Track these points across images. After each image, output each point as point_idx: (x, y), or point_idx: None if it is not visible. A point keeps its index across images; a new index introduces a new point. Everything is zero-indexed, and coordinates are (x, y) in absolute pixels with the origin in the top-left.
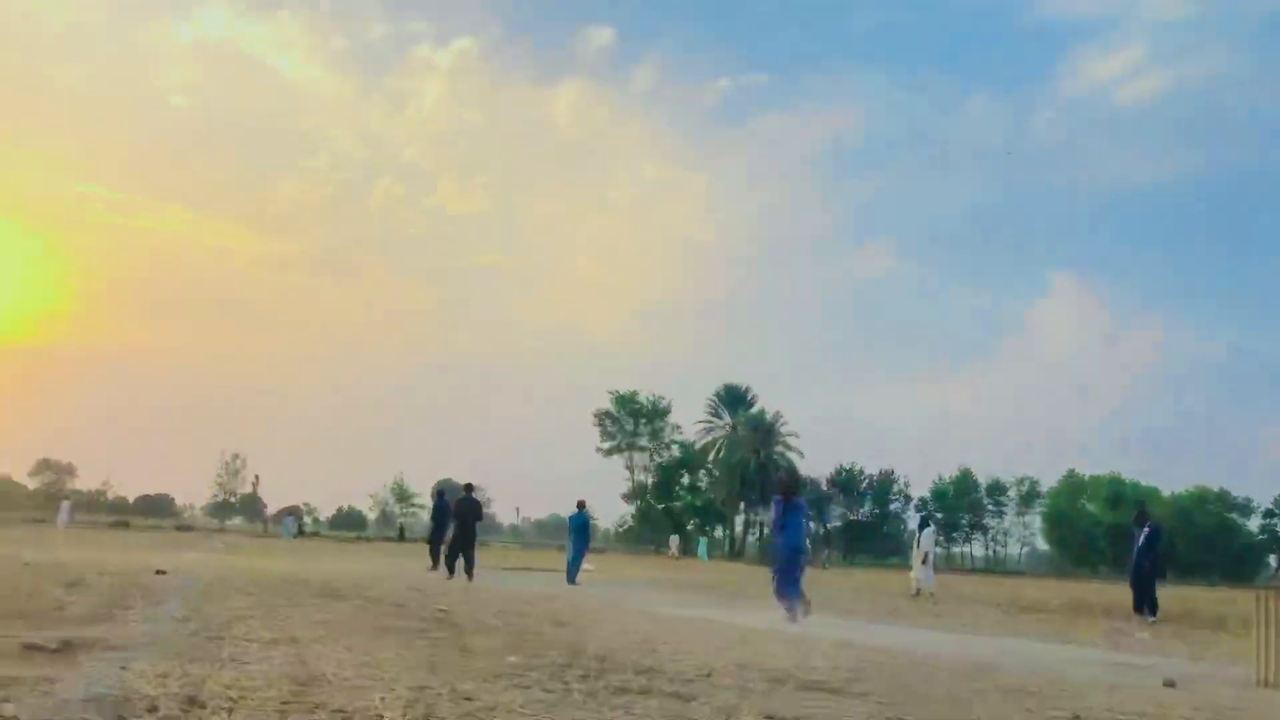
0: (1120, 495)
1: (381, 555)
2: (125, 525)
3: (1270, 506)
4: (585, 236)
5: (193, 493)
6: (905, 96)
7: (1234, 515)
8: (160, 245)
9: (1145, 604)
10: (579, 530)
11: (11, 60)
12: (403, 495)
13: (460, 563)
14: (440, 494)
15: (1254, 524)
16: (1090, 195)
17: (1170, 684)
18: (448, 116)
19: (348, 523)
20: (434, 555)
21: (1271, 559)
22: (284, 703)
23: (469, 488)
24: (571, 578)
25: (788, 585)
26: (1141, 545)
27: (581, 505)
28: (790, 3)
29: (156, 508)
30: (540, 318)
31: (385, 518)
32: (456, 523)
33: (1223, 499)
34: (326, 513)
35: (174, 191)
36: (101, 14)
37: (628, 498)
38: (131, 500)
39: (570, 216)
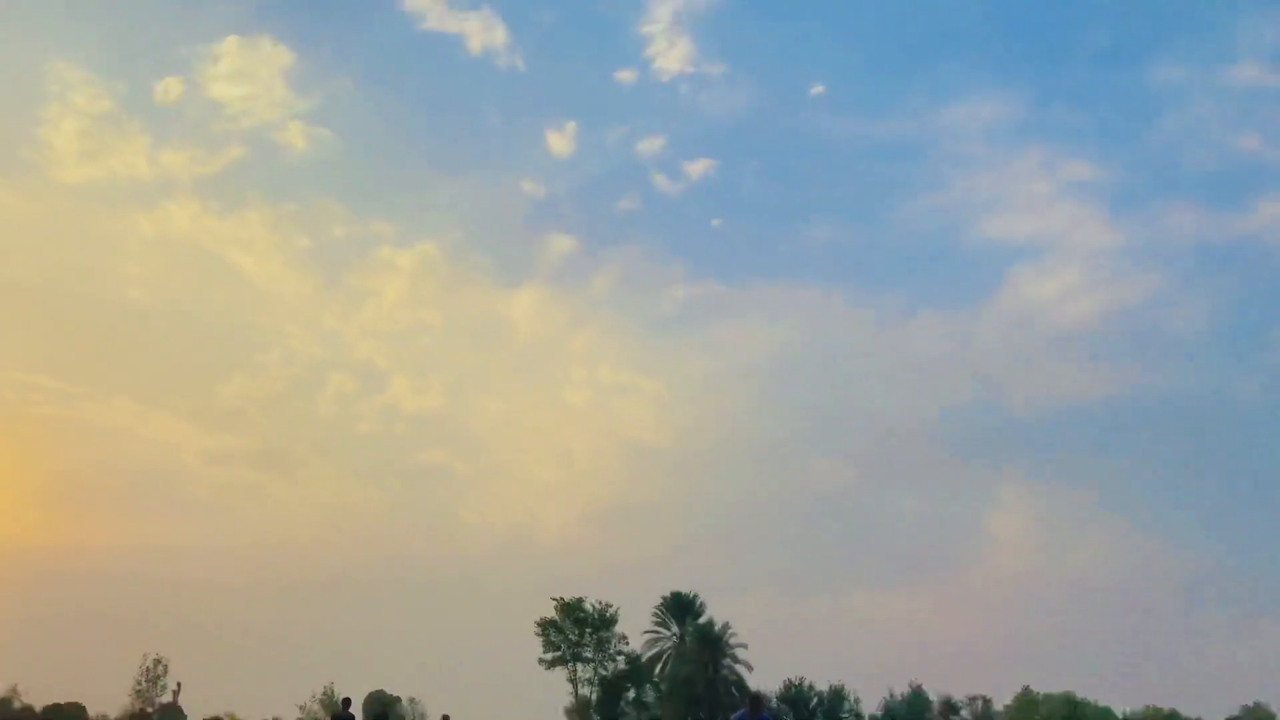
0: (1076, 716)
1: None
2: None
3: None
4: (538, 437)
5: (107, 702)
6: (855, 310)
7: None
8: (101, 438)
9: None
10: None
11: None
12: (331, 707)
13: None
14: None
15: None
16: (1037, 404)
17: None
18: (406, 315)
19: None
20: None
21: None
22: None
23: (346, 702)
24: None
25: None
26: None
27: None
28: (745, 218)
29: (66, 719)
30: (488, 518)
31: None
32: None
33: (1174, 719)
34: None
35: (121, 384)
36: (68, 206)
37: (570, 713)
38: (39, 709)
39: (524, 416)
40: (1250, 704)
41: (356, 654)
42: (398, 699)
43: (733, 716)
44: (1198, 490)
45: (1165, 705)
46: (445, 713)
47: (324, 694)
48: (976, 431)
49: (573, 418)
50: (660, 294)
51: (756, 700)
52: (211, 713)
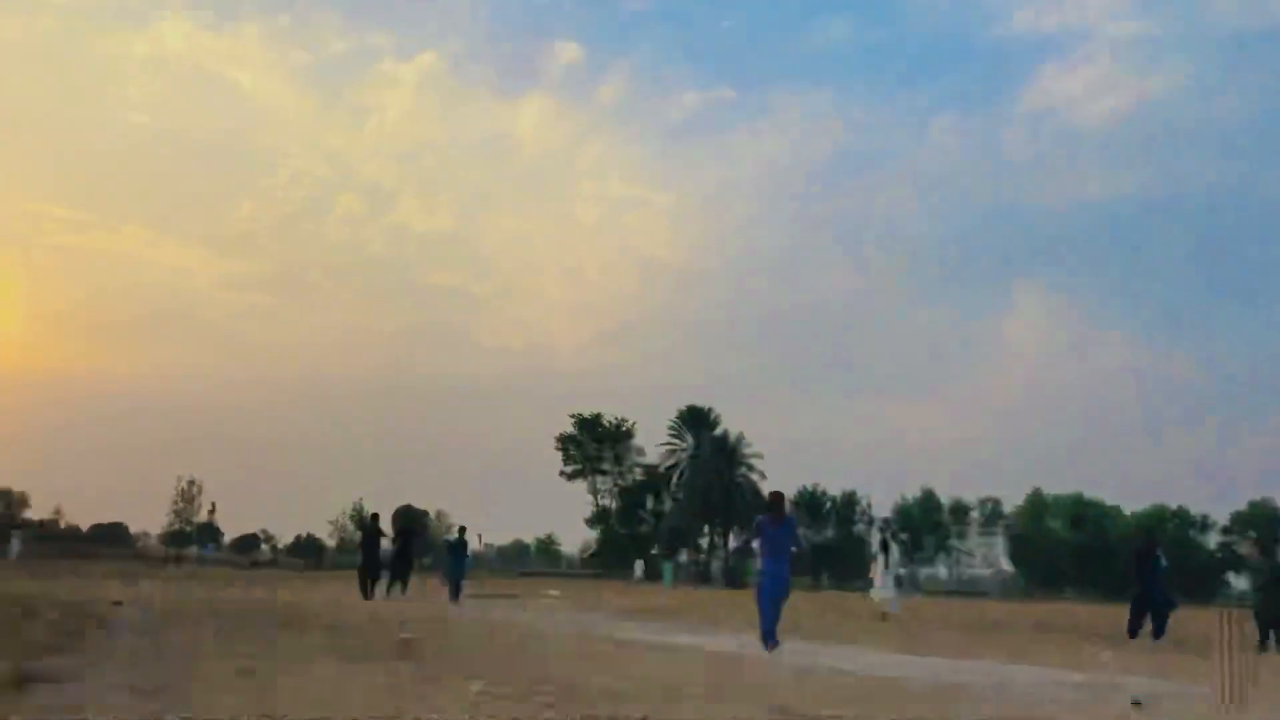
0: (1084, 515)
1: (332, 581)
2: (79, 555)
3: (1227, 524)
4: (550, 255)
5: (148, 521)
6: (872, 113)
7: (1193, 533)
8: (116, 266)
9: (1160, 628)
10: (456, 556)
11: None
12: (360, 522)
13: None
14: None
15: (1212, 541)
16: (1056, 211)
17: (1137, 703)
18: (411, 132)
19: (307, 550)
20: (370, 584)
21: (1230, 576)
22: None
23: (375, 517)
24: (455, 596)
25: (775, 620)
26: (1158, 570)
27: (462, 531)
28: (758, 19)
29: (111, 537)
30: (503, 338)
31: (344, 544)
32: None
33: (1182, 517)
34: (285, 539)
35: (131, 211)
36: (58, 27)
37: (591, 522)
38: (85, 529)
39: (534, 234)
40: (1257, 499)
41: (383, 472)
42: (425, 513)
43: (756, 519)
44: (1214, 291)
45: (1173, 503)
46: (464, 525)
47: (353, 510)
48: (996, 237)
49: (584, 234)
50: (670, 102)
51: (779, 498)
52: (245, 530)
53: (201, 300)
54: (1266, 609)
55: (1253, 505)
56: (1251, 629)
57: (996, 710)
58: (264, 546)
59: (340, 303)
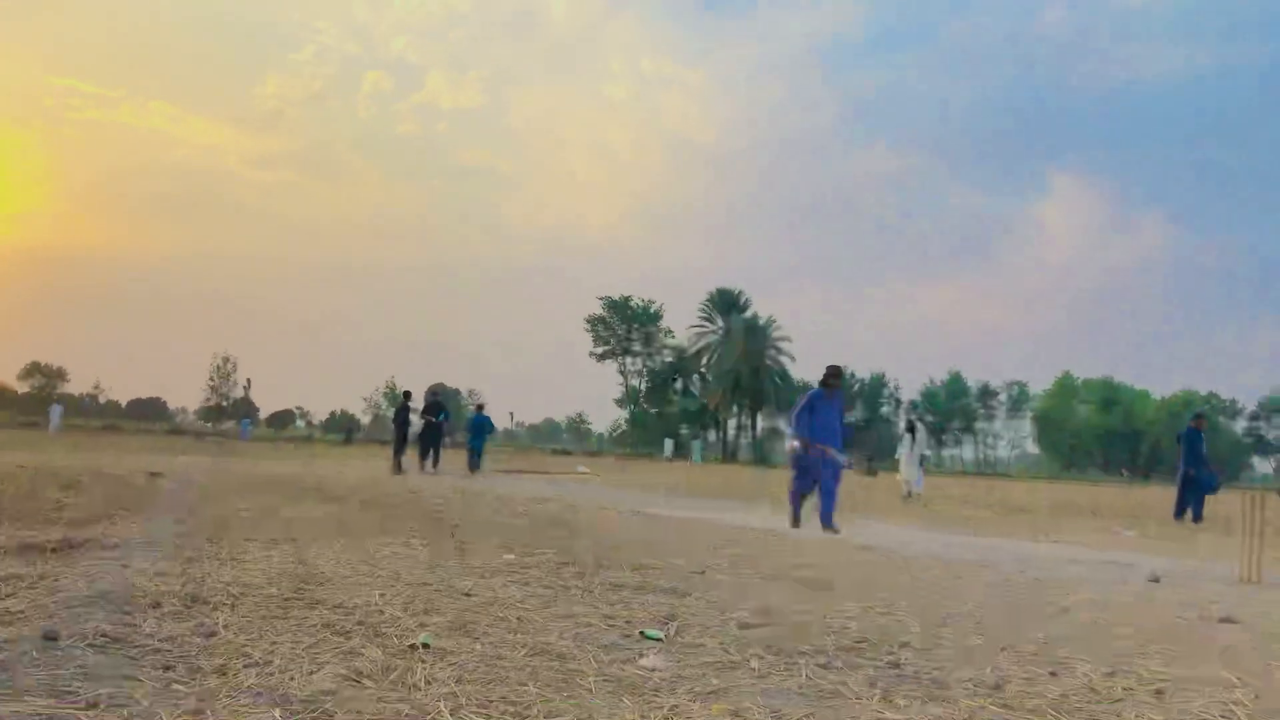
0: (1112, 399)
1: (366, 458)
2: (117, 429)
3: (1255, 409)
4: (579, 134)
5: (185, 396)
6: None
7: (1221, 418)
8: (144, 143)
9: (1198, 509)
10: (477, 429)
11: None
12: (396, 399)
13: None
14: (419, 395)
15: (1239, 426)
16: (1095, 91)
17: (1155, 580)
18: (438, 7)
19: (341, 426)
20: (402, 458)
21: (1255, 460)
22: (286, 599)
23: (407, 395)
24: (474, 467)
25: (833, 504)
26: (1200, 453)
27: (480, 408)
28: None
29: (148, 411)
30: (533, 218)
31: (378, 421)
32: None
33: (1210, 402)
34: (320, 416)
35: (156, 86)
36: None
37: (621, 402)
38: (123, 404)
39: (564, 113)
40: None
41: (415, 351)
42: (456, 391)
43: (809, 395)
44: (1251, 177)
45: (1202, 389)
46: (483, 401)
47: (386, 388)
48: (1032, 118)
49: (614, 112)
50: None
51: (837, 371)
52: (281, 406)
53: (230, 178)
54: None
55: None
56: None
57: (1015, 582)
58: (299, 422)
59: (370, 181)
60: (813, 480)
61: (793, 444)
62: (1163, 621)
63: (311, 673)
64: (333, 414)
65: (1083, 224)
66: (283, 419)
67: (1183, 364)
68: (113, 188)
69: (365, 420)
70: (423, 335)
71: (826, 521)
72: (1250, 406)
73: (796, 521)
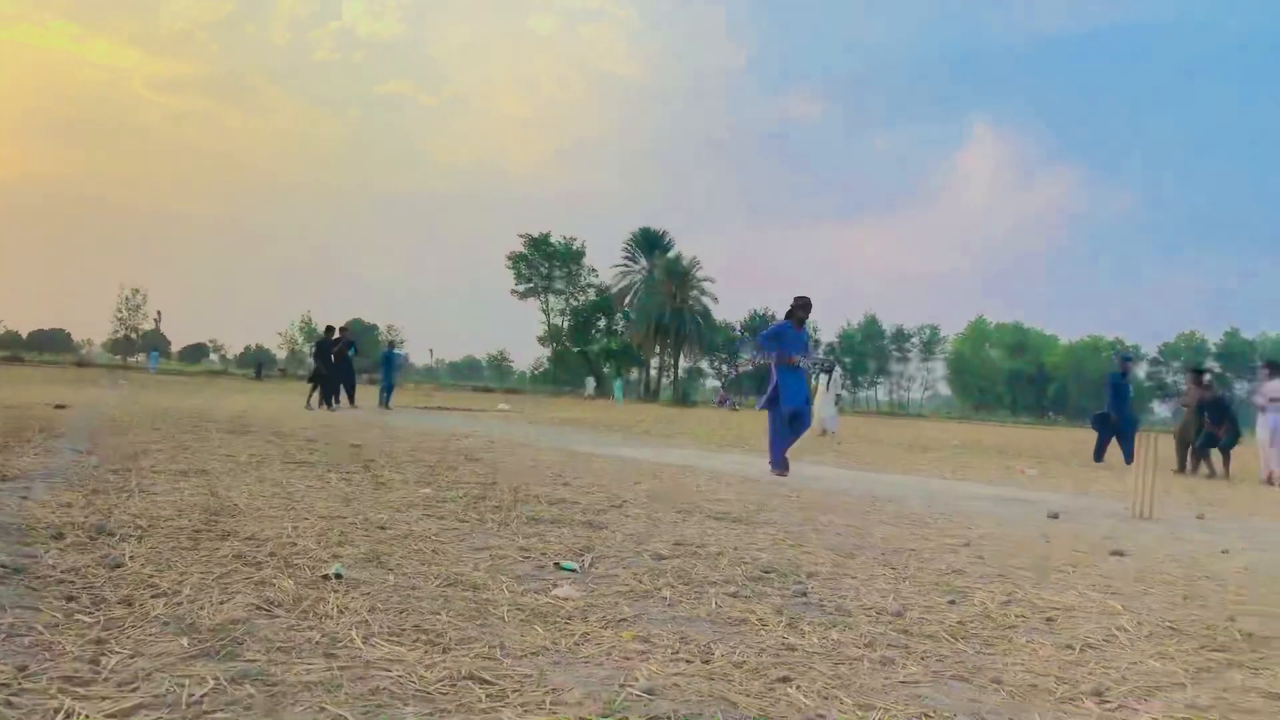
0: (1022, 343)
1: (280, 393)
2: (19, 360)
3: (1157, 355)
4: (503, 68)
5: (91, 329)
6: None
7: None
8: (44, 63)
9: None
10: (386, 365)
11: None
12: (311, 334)
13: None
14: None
15: (1142, 371)
16: (1016, 43)
17: (1054, 516)
18: None
19: (256, 360)
20: (324, 394)
21: (1155, 404)
22: (196, 531)
23: (329, 330)
24: (383, 403)
25: (790, 444)
26: (1125, 396)
27: (391, 345)
28: None
29: (52, 343)
30: (454, 152)
31: (294, 356)
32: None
33: (1114, 347)
34: (234, 350)
35: (57, 4)
36: None
37: (543, 341)
38: (24, 335)
39: (487, 45)
40: (1185, 332)
41: (333, 286)
42: (374, 327)
43: (776, 325)
44: (1157, 129)
45: (1107, 334)
46: (393, 339)
47: (302, 323)
48: (954, 65)
49: (540, 46)
50: None
51: (807, 303)
52: (193, 340)
53: (135, 102)
54: (1186, 433)
55: (1180, 337)
56: (1172, 451)
57: (923, 517)
58: (213, 356)
59: (285, 110)
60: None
61: (758, 359)
62: (1058, 554)
63: (222, 603)
64: (247, 349)
65: (999, 172)
66: (195, 353)
67: (1089, 310)
68: (9, 109)
69: (281, 356)
70: (341, 270)
71: (777, 465)
72: (1152, 353)
73: (784, 467)
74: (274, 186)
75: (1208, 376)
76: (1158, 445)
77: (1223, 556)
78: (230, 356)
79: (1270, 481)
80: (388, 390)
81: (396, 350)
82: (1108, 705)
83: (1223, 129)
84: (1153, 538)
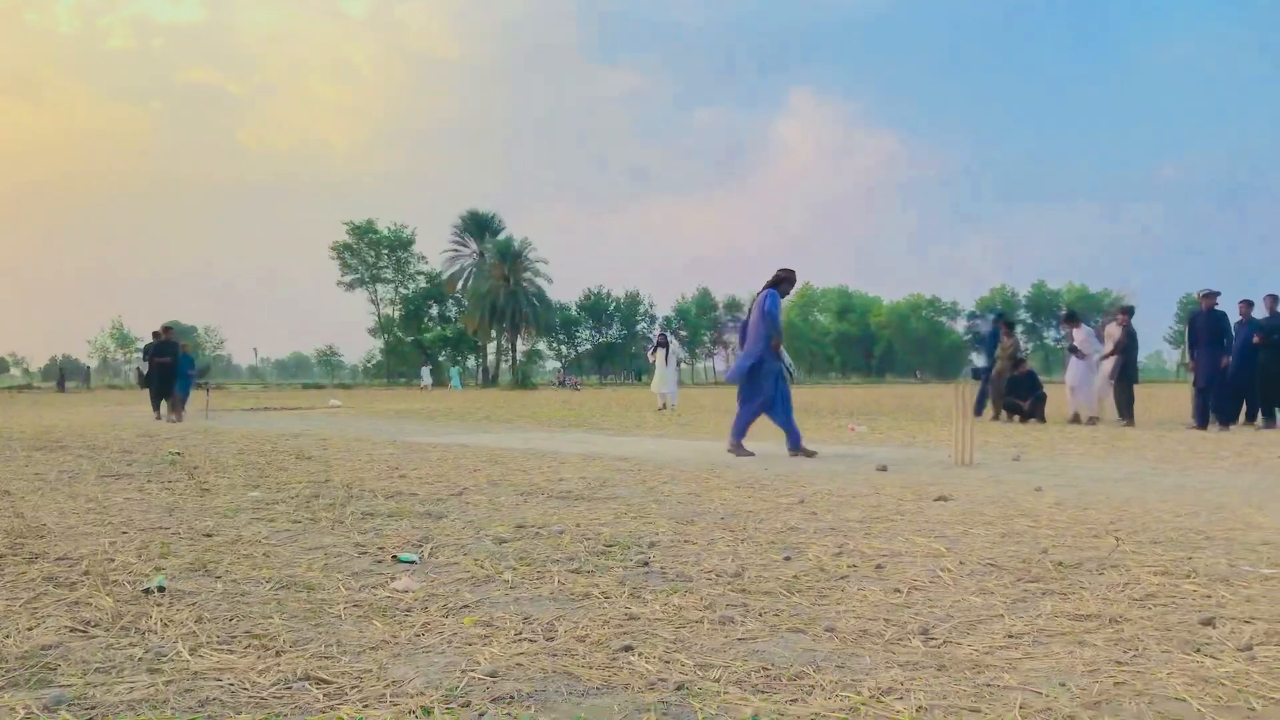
0: (848, 306)
1: (91, 404)
2: None
3: (973, 310)
4: (316, 52)
5: None
6: None
7: (943, 319)
8: None
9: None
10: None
11: None
12: (125, 341)
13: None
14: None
15: (960, 326)
16: (828, 11)
17: (882, 468)
18: None
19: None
20: (155, 401)
21: (973, 356)
22: None
23: (155, 335)
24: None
25: (748, 418)
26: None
27: (186, 349)
28: None
29: None
30: (269, 141)
31: (107, 365)
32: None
33: (934, 305)
34: (38, 362)
35: None
36: None
37: (374, 332)
38: None
39: (297, 30)
40: (997, 286)
41: (145, 288)
42: (193, 328)
43: (772, 295)
44: (969, 99)
45: (926, 293)
46: (184, 340)
47: (114, 328)
48: (769, 37)
49: (354, 30)
50: None
51: (793, 275)
52: None
53: None
54: (999, 383)
55: (993, 291)
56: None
57: (759, 479)
58: (14, 370)
59: (78, 103)
60: (763, 401)
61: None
62: (887, 504)
63: (30, 628)
64: (53, 359)
65: (819, 140)
66: None
67: (909, 272)
68: None
69: (93, 365)
70: (152, 271)
71: (739, 446)
72: (969, 307)
73: (741, 448)
74: (71, 186)
75: (1018, 330)
76: (970, 395)
77: (1037, 495)
78: (34, 369)
79: (1077, 420)
80: (182, 396)
81: (187, 354)
82: (933, 642)
83: (1025, 90)
84: (974, 482)
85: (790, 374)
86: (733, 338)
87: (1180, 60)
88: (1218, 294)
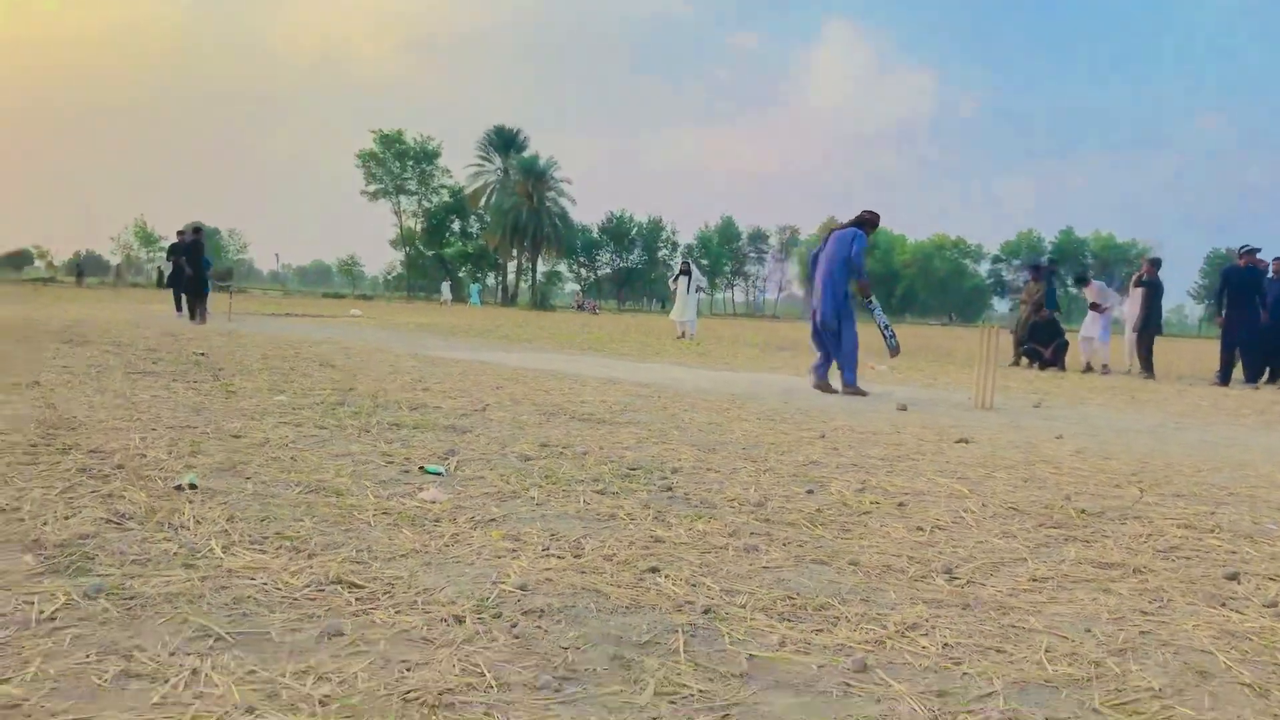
0: (873, 243)
1: (113, 300)
2: None
3: (998, 253)
4: None
5: None
6: None
7: (967, 261)
8: None
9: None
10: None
11: None
12: (147, 239)
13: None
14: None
15: (984, 269)
16: None
17: (903, 408)
18: None
19: (89, 268)
20: (177, 300)
21: (995, 300)
22: (33, 445)
23: (180, 234)
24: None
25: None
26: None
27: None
28: None
29: None
30: (296, 42)
31: (130, 263)
32: (174, 266)
33: (959, 246)
34: (62, 256)
35: None
36: None
37: (396, 244)
38: None
39: None
40: (1024, 230)
41: (169, 186)
42: (216, 230)
43: (859, 236)
44: (1006, 38)
45: (951, 234)
46: (276, 250)
47: (136, 226)
48: None
49: None
50: None
51: (875, 218)
52: (19, 245)
53: None
54: (1023, 328)
55: (1020, 235)
56: (1009, 345)
57: (780, 412)
58: (38, 262)
59: None
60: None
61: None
62: (908, 443)
63: (67, 518)
64: (76, 254)
65: (853, 72)
66: (18, 260)
67: (936, 212)
68: None
69: (115, 261)
70: (178, 171)
71: (849, 382)
72: (994, 251)
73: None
74: (102, 76)
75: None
76: (996, 339)
77: (1058, 442)
78: (58, 263)
79: (1090, 369)
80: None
81: (206, 256)
82: (957, 581)
83: (1064, 35)
84: (995, 426)
85: (890, 341)
86: (754, 268)
87: (1225, 10)
88: (1258, 250)
